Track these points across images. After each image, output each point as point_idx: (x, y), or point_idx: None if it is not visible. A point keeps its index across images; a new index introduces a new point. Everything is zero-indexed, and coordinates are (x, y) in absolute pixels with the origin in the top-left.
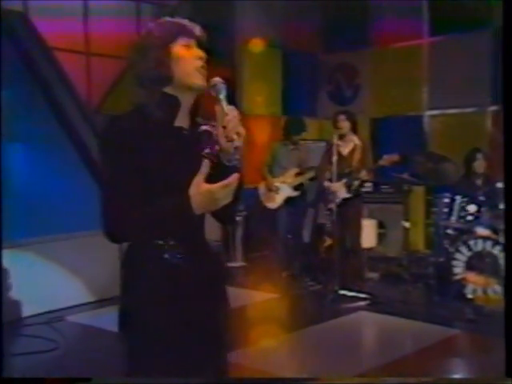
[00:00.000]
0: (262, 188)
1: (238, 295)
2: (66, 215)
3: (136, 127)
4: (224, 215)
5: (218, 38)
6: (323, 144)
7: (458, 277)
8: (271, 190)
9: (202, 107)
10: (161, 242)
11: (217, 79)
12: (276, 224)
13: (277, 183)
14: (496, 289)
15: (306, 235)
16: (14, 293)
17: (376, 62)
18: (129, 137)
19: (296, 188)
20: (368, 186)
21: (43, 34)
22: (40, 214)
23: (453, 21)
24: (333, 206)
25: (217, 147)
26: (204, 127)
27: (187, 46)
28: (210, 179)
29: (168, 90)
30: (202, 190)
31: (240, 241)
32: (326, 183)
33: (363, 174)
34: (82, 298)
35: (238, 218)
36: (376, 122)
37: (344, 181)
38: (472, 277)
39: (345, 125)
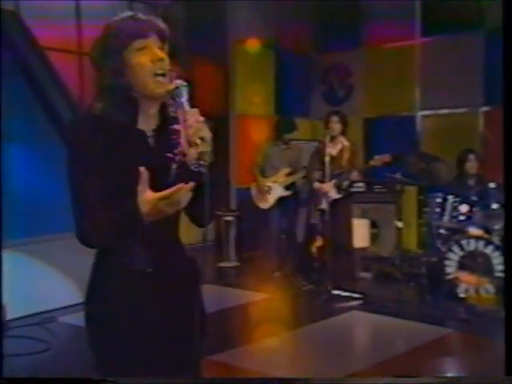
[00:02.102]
0: (254, 188)
1: (231, 295)
2: (59, 215)
3: (98, 130)
4: (194, 218)
5: (211, 38)
6: (315, 144)
7: (450, 276)
8: (263, 190)
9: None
10: (129, 248)
11: (178, 81)
12: (269, 224)
13: (269, 183)
14: (488, 288)
15: (299, 235)
16: (6, 293)
17: (369, 63)
18: (90, 140)
19: (288, 188)
20: (361, 186)
21: (35, 33)
22: (33, 215)
23: (445, 22)
24: (324, 206)
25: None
26: (175, 126)
27: (144, 49)
28: (179, 181)
29: (130, 94)
30: (144, 200)
31: (233, 241)
32: (316, 184)
33: (354, 175)
34: (75, 298)
35: (231, 218)
36: (369, 122)
37: (333, 181)
38: (464, 276)
39: (337, 127)
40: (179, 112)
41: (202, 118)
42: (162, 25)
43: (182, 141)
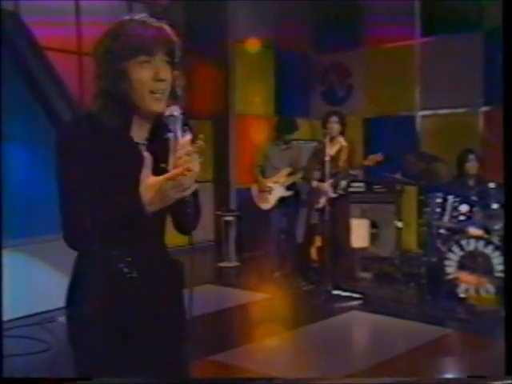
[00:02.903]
0: (254, 188)
1: (231, 295)
2: (59, 215)
3: (89, 134)
4: (178, 224)
5: (211, 38)
6: (315, 144)
7: (450, 276)
8: (264, 190)
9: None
10: (113, 252)
11: (174, 108)
12: (269, 224)
13: (269, 183)
14: (488, 288)
15: (299, 235)
16: (6, 293)
17: (368, 63)
18: (80, 143)
19: (289, 188)
20: (360, 186)
21: (35, 33)
22: (33, 215)
23: (444, 22)
24: (322, 205)
25: None
26: (168, 135)
27: (147, 63)
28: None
29: (125, 101)
30: (148, 184)
31: (233, 241)
32: (315, 183)
33: (356, 172)
34: None
35: (231, 218)
36: (369, 122)
37: (330, 181)
38: (464, 276)
39: (336, 127)
40: (171, 138)
41: (192, 149)
42: (173, 38)
43: (170, 168)
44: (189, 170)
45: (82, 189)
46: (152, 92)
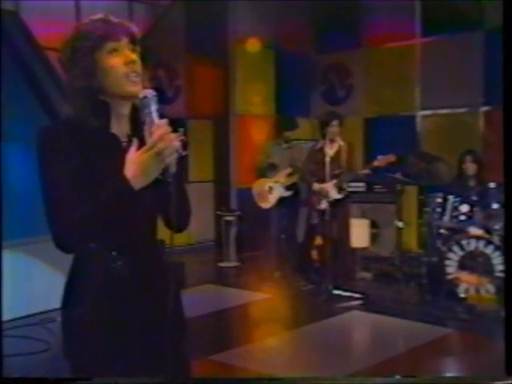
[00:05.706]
0: (255, 188)
1: (231, 295)
2: None
3: (72, 134)
4: (168, 222)
5: (211, 38)
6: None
7: (450, 276)
8: (265, 190)
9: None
10: (105, 251)
11: (147, 91)
12: (269, 224)
13: (270, 183)
14: (488, 288)
15: (300, 235)
16: (6, 293)
17: (369, 62)
18: (65, 145)
19: (289, 188)
20: (361, 186)
21: (35, 33)
22: (33, 215)
23: (445, 22)
24: (324, 206)
25: None
26: (147, 118)
27: (115, 51)
28: (156, 186)
29: (101, 96)
30: (130, 160)
31: (233, 241)
32: (316, 185)
33: (364, 172)
34: None
35: (231, 218)
36: (369, 122)
37: (334, 182)
38: (464, 276)
39: (337, 130)
40: (147, 121)
41: (169, 129)
42: (133, 28)
43: None
44: (165, 138)
45: (67, 191)
46: (126, 75)
